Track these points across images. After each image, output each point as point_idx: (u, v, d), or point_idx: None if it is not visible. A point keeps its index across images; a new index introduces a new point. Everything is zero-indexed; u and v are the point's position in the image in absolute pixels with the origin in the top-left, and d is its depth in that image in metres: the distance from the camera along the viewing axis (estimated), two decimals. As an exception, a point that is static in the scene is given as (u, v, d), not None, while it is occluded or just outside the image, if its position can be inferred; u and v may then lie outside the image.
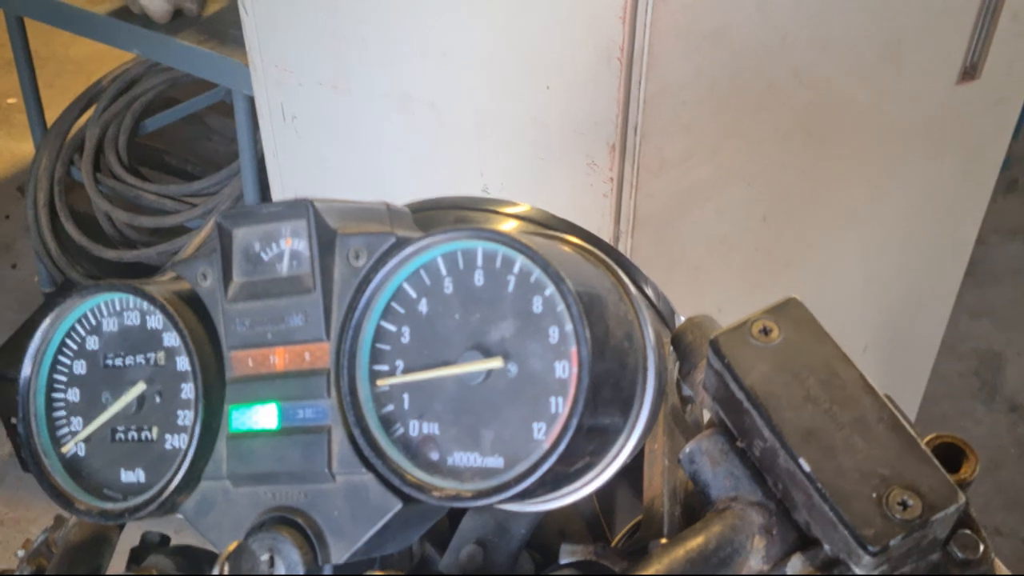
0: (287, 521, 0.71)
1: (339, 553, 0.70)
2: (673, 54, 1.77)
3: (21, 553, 0.94)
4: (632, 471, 0.83)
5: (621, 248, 2.01)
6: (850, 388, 0.69)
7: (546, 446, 0.64)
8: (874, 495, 0.64)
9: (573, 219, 1.07)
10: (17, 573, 0.91)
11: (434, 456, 0.68)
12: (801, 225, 2.27)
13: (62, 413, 0.80)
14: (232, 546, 0.66)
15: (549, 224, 0.91)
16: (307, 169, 2.39)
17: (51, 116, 3.63)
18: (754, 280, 2.27)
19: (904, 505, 0.63)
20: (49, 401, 0.80)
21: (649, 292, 0.98)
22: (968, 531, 0.70)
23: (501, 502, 0.65)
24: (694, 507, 0.81)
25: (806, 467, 0.65)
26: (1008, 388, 3.80)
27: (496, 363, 0.66)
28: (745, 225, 2.17)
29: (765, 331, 0.71)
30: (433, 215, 0.92)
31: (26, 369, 0.79)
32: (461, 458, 0.67)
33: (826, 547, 0.67)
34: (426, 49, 1.99)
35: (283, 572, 0.70)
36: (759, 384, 0.69)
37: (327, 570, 0.71)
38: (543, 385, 0.66)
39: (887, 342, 2.70)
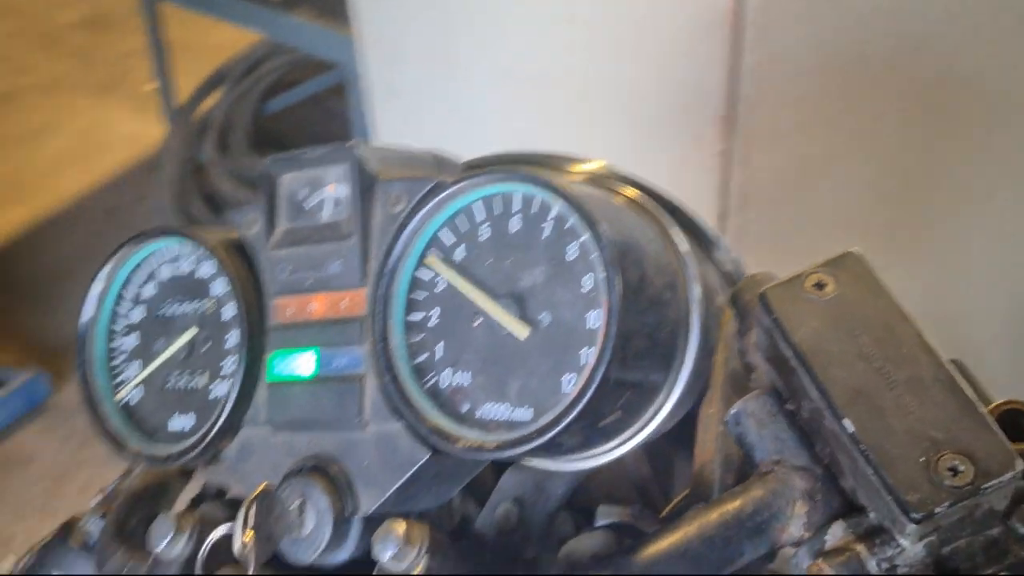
0: (319, 469, 0.71)
1: (368, 503, 0.69)
2: (785, 19, 1.70)
3: (94, 500, 0.97)
4: (691, 438, 0.80)
5: (729, 227, 1.95)
6: (907, 347, 0.64)
7: (572, 397, 0.61)
8: (922, 459, 0.59)
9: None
10: (82, 518, 0.94)
11: (464, 407, 0.67)
12: (924, 207, 2.16)
13: (120, 360, 0.82)
14: (259, 488, 0.66)
15: (612, 178, 0.88)
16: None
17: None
18: (876, 264, 2.18)
19: (955, 471, 0.59)
20: (108, 348, 0.82)
21: (718, 253, 0.94)
22: (1035, 506, 0.65)
23: (525, 454, 0.63)
24: (747, 475, 0.77)
25: (850, 428, 0.61)
26: None
27: (523, 331, 0.65)
28: (863, 205, 2.07)
29: (819, 285, 0.67)
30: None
31: (88, 312, 0.81)
32: (490, 410, 0.66)
33: (871, 515, 0.63)
34: (531, 21, 1.97)
35: (313, 519, 0.70)
36: (807, 340, 0.65)
37: (356, 520, 0.71)
38: (575, 335, 0.64)
39: (1018, 335, 2.55)
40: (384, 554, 0.64)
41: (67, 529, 0.93)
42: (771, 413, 0.68)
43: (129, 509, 0.87)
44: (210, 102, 3.72)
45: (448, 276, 0.68)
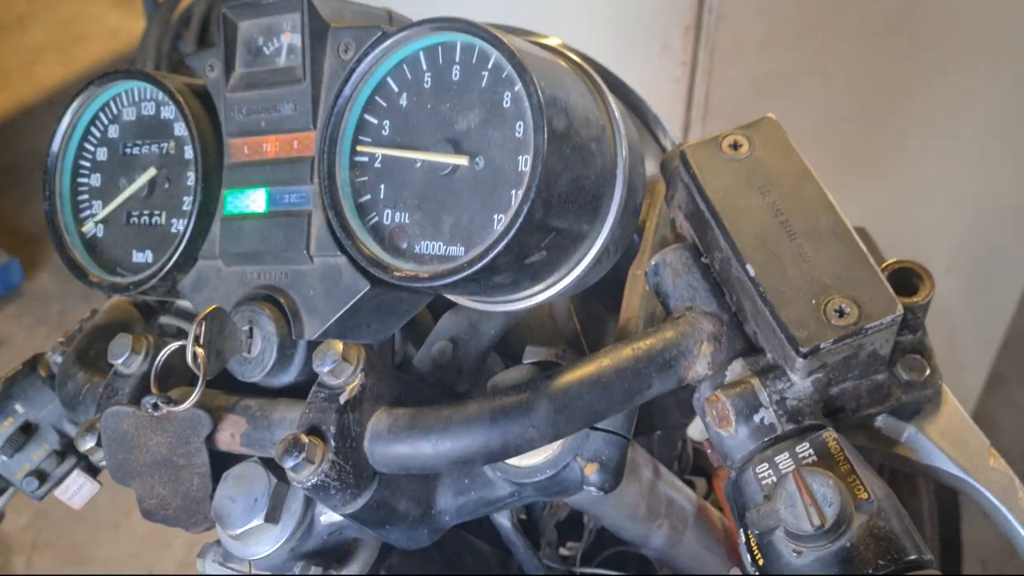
0: (268, 298, 0.76)
1: (312, 330, 0.75)
2: (755, -68, 1.73)
3: (61, 339, 1.02)
4: (618, 298, 0.86)
5: (692, 136, 2.00)
6: (810, 204, 0.70)
7: (499, 232, 0.66)
8: (814, 301, 0.65)
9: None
10: (50, 352, 0.99)
11: (403, 244, 0.72)
12: (885, 128, 2.20)
13: (85, 196, 0.87)
14: (209, 309, 0.71)
15: (563, 49, 0.92)
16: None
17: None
18: (831, 183, 2.23)
19: (841, 312, 0.65)
20: (74, 184, 0.87)
21: (659, 132, 0.99)
22: (918, 356, 0.71)
23: (457, 286, 0.68)
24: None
25: (752, 272, 0.67)
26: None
27: (463, 160, 0.69)
28: (824, 124, 2.11)
29: (735, 145, 0.72)
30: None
31: (54, 145, 0.86)
32: (426, 246, 0.71)
33: (768, 355, 0.69)
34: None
35: (260, 342, 0.75)
36: (720, 194, 0.70)
37: (301, 345, 0.76)
38: (506, 178, 0.68)
39: (971, 264, 2.62)
40: (322, 368, 0.69)
41: (34, 361, 0.98)
42: (687, 264, 0.74)
43: (91, 340, 0.92)
44: (191, -4, 3.69)
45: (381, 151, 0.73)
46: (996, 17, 2.13)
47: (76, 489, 0.98)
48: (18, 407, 0.97)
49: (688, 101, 1.95)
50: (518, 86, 0.68)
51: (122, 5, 4.89)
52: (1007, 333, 2.96)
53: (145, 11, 3.79)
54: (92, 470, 1.00)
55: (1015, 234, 2.66)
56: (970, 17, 2.10)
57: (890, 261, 0.72)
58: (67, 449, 0.98)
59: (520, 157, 0.68)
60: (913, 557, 0.58)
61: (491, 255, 0.66)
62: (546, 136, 0.65)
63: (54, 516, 2.94)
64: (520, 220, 0.65)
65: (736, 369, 0.70)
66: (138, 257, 0.83)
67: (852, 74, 2.06)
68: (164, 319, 1.02)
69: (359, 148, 0.73)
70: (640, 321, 0.82)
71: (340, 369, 0.70)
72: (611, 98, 0.76)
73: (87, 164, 0.86)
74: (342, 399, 0.69)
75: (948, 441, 0.70)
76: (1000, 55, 2.20)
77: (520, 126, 0.68)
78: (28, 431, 0.97)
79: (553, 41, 0.99)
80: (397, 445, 0.68)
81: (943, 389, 0.71)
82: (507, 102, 0.69)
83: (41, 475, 0.97)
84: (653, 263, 0.75)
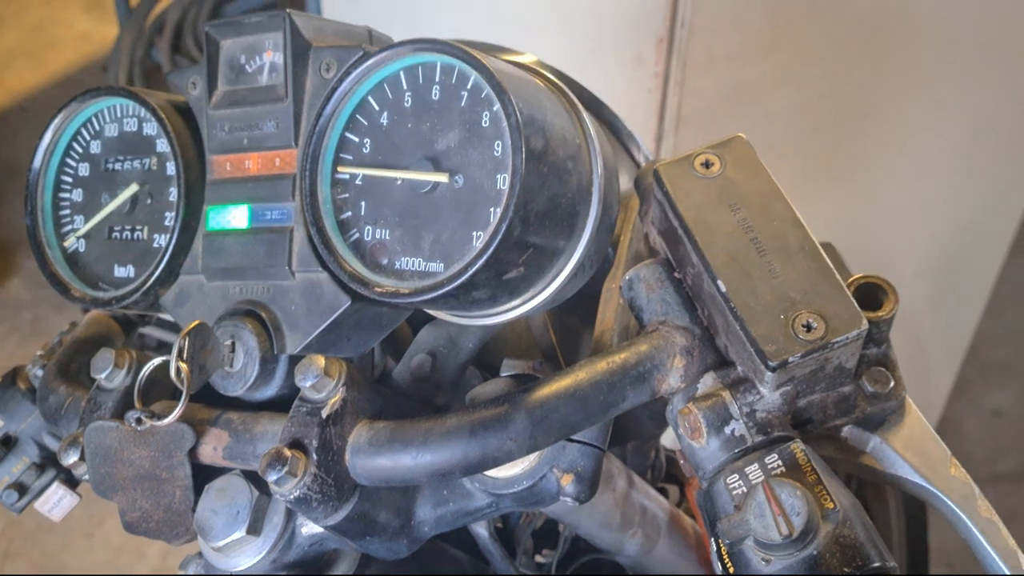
0: (250, 313, 0.78)
1: (294, 344, 0.76)
2: (725, -55, 1.76)
3: (40, 352, 1.03)
4: (594, 315, 0.87)
5: (664, 148, 2.02)
6: (779, 221, 0.72)
7: (478, 249, 0.68)
8: (782, 316, 0.67)
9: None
10: (30, 365, 1.00)
11: (383, 260, 0.73)
12: (853, 139, 2.24)
13: (67, 211, 0.88)
14: (192, 325, 0.72)
15: (538, 67, 0.94)
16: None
17: None
18: (801, 192, 2.25)
19: (808, 327, 0.67)
20: (56, 199, 0.88)
21: (632, 147, 1.01)
22: (882, 368, 0.74)
23: (437, 301, 0.69)
24: (638, 341, 0.85)
25: (723, 287, 0.69)
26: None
27: (443, 178, 0.71)
28: (794, 134, 2.15)
29: (707, 164, 0.74)
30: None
31: (36, 161, 0.87)
32: (406, 262, 0.72)
33: (739, 368, 0.71)
34: (484, -65, 2.00)
35: (242, 357, 0.77)
36: (692, 211, 0.72)
37: (282, 360, 0.78)
38: (484, 196, 0.70)
39: (938, 271, 2.66)
40: (304, 383, 0.71)
41: (13, 374, 0.99)
42: (660, 279, 0.76)
43: (72, 354, 0.93)
44: (165, 2, 3.69)
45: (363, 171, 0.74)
46: (963, 30, 2.17)
47: (56, 501, 0.99)
48: (-3, 420, 0.98)
49: (661, 112, 1.98)
50: (496, 106, 0.69)
51: (93, 10, 4.87)
52: (973, 338, 3.01)
53: (118, 17, 3.78)
54: (71, 482, 1.01)
55: (981, 241, 2.71)
56: (938, 29, 2.14)
57: (855, 276, 0.74)
58: (46, 462, 0.99)
59: (498, 175, 0.70)
60: (877, 564, 0.60)
61: (470, 272, 0.68)
62: (524, 156, 0.67)
63: (27, 525, 2.92)
64: (499, 238, 0.67)
65: (707, 382, 0.71)
66: (120, 272, 0.85)
67: (821, 85, 2.09)
68: (144, 330, 1.02)
69: (340, 169, 0.75)
70: (614, 334, 0.84)
71: (322, 384, 0.71)
72: (586, 116, 0.78)
73: (69, 179, 0.87)
74: (324, 413, 0.70)
75: (911, 451, 0.72)
76: (967, 67, 2.25)
77: (498, 145, 0.70)
78: (7, 444, 0.98)
79: (528, 58, 1.01)
80: (378, 458, 0.70)
81: (906, 400, 0.74)
82: (486, 121, 0.71)
83: (21, 488, 0.98)
84: (627, 278, 0.77)
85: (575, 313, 0.97)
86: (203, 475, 0.78)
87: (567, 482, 0.75)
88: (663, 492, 1.07)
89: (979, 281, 2.82)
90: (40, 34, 4.91)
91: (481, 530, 0.96)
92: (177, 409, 0.72)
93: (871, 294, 0.74)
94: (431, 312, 0.81)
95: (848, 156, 2.26)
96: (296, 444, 0.70)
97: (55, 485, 0.99)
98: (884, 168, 2.35)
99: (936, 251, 2.62)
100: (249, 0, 3.61)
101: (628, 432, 0.95)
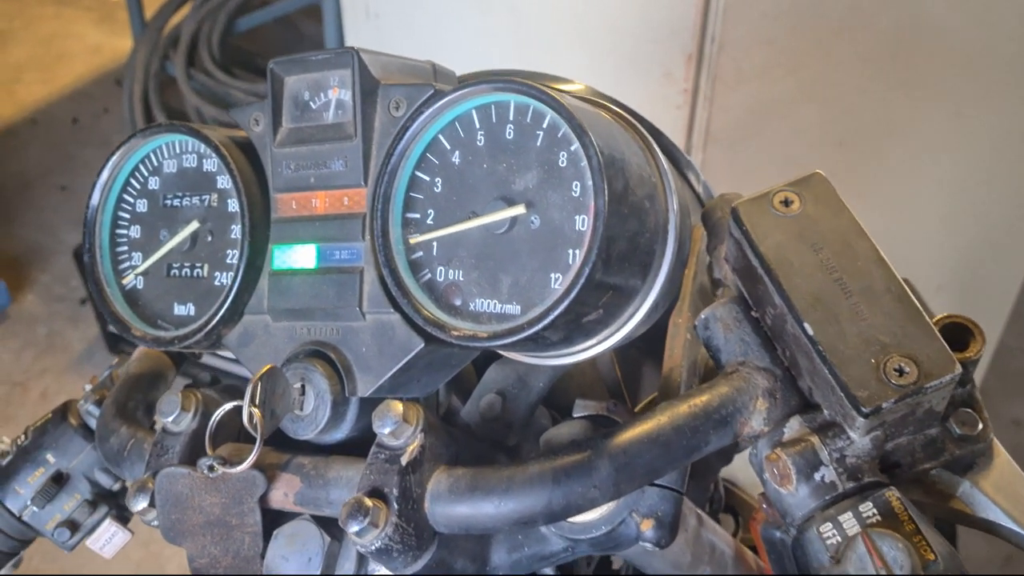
0: (319, 354, 0.76)
1: (365, 387, 0.75)
2: (756, -37, 1.75)
3: (88, 387, 1.02)
4: (660, 348, 0.86)
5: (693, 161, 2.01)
6: (863, 260, 0.70)
7: (559, 294, 0.67)
8: (873, 360, 0.66)
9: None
10: (82, 401, 0.98)
11: (457, 301, 0.72)
12: (878, 154, 2.23)
13: (124, 248, 0.86)
14: (264, 369, 0.71)
15: (597, 97, 0.93)
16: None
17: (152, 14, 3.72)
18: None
19: (900, 371, 0.65)
20: (113, 236, 0.86)
21: (691, 176, 1.00)
22: (969, 410, 0.72)
23: (514, 345, 0.68)
24: (711, 379, 0.83)
25: (809, 331, 0.68)
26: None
27: (519, 210, 0.70)
28: (820, 148, 2.14)
29: (786, 202, 0.73)
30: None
31: (94, 198, 0.85)
32: (482, 304, 0.71)
33: (825, 412, 0.70)
34: (510, -49, 1.99)
35: (312, 400, 0.75)
36: (773, 251, 0.71)
37: (353, 402, 0.76)
38: (563, 237, 0.69)
39: (962, 284, 2.65)
40: (383, 429, 0.69)
41: (63, 409, 0.98)
42: (737, 319, 0.75)
43: (128, 391, 0.91)
44: (179, 16, 3.68)
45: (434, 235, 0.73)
46: (987, 45, 2.17)
47: (108, 538, 0.98)
48: (49, 456, 0.97)
49: (689, 128, 1.97)
50: (575, 145, 0.68)
51: (104, 23, 4.87)
52: (996, 348, 3.00)
53: (132, 31, 3.77)
54: (123, 519, 0.99)
55: (1004, 254, 2.70)
56: (962, 45, 2.13)
57: (940, 316, 0.73)
58: (98, 498, 0.98)
59: (577, 216, 0.68)
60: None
61: (552, 316, 0.66)
62: (607, 198, 0.65)
63: (44, 543, 2.90)
64: (581, 281, 0.66)
65: (794, 426, 0.70)
66: (180, 310, 0.83)
67: (849, 101, 2.08)
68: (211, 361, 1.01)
69: (409, 215, 0.73)
70: (683, 370, 0.83)
71: (400, 430, 0.70)
72: (659, 152, 0.77)
73: (126, 216, 0.86)
74: (403, 460, 0.69)
75: (1003, 495, 0.71)
76: (990, 82, 2.24)
77: (576, 185, 0.69)
78: (59, 481, 0.97)
79: (578, 87, 0.99)
80: (459, 506, 0.68)
81: (994, 442, 0.72)
82: (563, 161, 0.69)
83: (73, 525, 0.97)
84: (703, 317, 0.76)
85: (635, 344, 0.96)
86: (269, 518, 0.76)
87: (647, 527, 0.73)
88: (720, 523, 1.06)
89: (1002, 293, 2.81)
90: (50, 47, 4.91)
91: (548, 571, 0.95)
92: (251, 456, 0.71)
93: (957, 334, 0.73)
94: (500, 351, 0.79)
95: (874, 170, 2.25)
96: (375, 492, 0.68)
97: (107, 522, 0.98)
98: (909, 183, 2.34)
99: (961, 264, 2.61)
100: (262, 15, 3.60)
101: (694, 468, 0.94)
